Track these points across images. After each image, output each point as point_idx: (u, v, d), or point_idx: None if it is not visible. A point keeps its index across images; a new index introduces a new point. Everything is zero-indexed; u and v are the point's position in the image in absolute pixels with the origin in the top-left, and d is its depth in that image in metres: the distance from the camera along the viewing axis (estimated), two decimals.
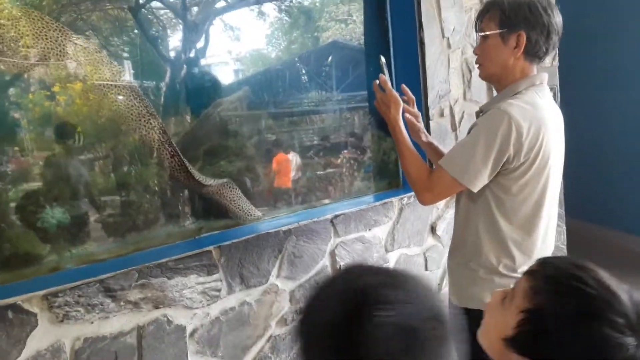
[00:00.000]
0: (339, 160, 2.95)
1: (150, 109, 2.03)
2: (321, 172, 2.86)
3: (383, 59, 1.72)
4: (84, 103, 2.09)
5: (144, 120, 2.01)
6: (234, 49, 2.85)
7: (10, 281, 1.60)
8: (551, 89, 3.22)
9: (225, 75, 2.87)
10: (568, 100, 5.54)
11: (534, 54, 1.50)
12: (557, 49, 3.16)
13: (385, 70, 1.69)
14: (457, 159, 1.49)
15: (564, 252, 3.29)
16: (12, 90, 2.00)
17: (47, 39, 1.83)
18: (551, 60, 3.20)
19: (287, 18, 3.01)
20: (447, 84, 2.80)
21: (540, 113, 1.45)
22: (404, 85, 1.85)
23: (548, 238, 1.58)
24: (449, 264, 1.70)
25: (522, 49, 1.47)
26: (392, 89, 1.65)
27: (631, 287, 0.77)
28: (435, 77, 2.72)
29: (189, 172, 2.06)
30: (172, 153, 2.04)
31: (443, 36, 2.76)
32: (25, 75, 1.96)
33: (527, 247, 1.52)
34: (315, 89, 3.10)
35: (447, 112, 2.81)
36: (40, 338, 1.51)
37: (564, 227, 3.36)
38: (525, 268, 1.42)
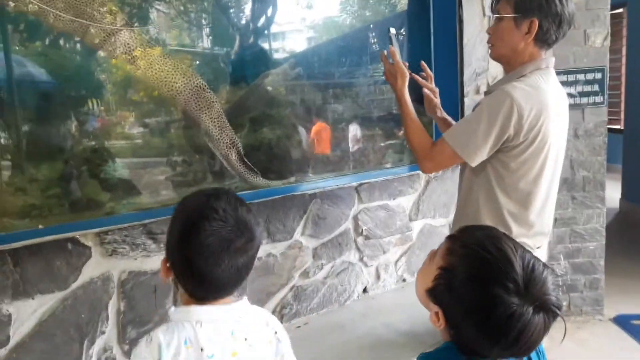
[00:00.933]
0: (400, 133, 3.05)
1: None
2: (358, 150, 2.97)
3: (392, 30, 1.82)
4: (161, 68, 2.31)
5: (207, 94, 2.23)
6: (306, 16, 2.93)
7: (70, 220, 1.91)
8: (599, 70, 3.18)
9: (295, 43, 2.97)
10: (634, 80, 5.31)
11: (544, 40, 1.57)
12: (609, 29, 3.10)
13: (394, 41, 1.79)
14: (460, 134, 1.61)
15: (602, 234, 3.27)
16: (99, 54, 2.21)
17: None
18: (602, 40, 3.12)
19: None
20: (485, 62, 2.85)
21: (543, 96, 1.53)
22: (422, 62, 1.96)
23: (545, 213, 1.68)
24: (451, 232, 1.84)
25: (533, 35, 1.55)
26: (399, 60, 1.76)
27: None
28: (472, 55, 2.78)
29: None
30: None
31: (484, 14, 2.80)
32: (112, 39, 2.16)
33: (523, 219, 1.63)
34: (363, 62, 3.19)
35: (483, 89, 2.86)
36: (93, 268, 1.82)
37: (604, 210, 3.33)
38: (522, 239, 1.56)
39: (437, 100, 2.00)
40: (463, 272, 0.89)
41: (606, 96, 3.20)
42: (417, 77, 1.91)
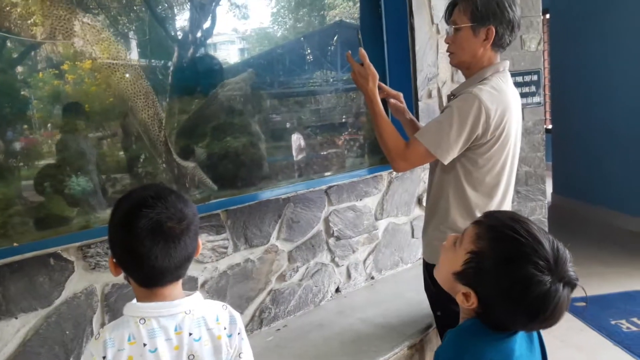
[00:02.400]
0: (340, 142, 3.18)
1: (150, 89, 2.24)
2: (323, 153, 3.07)
3: (359, 34, 1.92)
4: (92, 82, 2.30)
5: (151, 99, 2.24)
6: (240, 27, 3.00)
7: (50, 236, 1.87)
8: (535, 72, 3.46)
9: (231, 55, 3.05)
10: (557, 81, 5.77)
11: (499, 45, 1.73)
12: (542, 34, 3.38)
13: (363, 44, 1.88)
14: (432, 134, 1.72)
15: (545, 225, 3.54)
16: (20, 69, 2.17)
17: (54, 17, 1.95)
18: (536, 45, 3.41)
19: None
20: (435, 68, 3.03)
21: (505, 97, 1.69)
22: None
23: (505, 201, 1.84)
24: (424, 228, 1.96)
25: (491, 41, 1.70)
26: (370, 63, 1.83)
27: (553, 237, 0.98)
28: (424, 61, 2.96)
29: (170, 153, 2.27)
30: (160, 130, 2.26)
31: (432, 22, 2.98)
32: (33, 53, 2.12)
33: (488, 209, 1.78)
34: (320, 68, 3.30)
35: (434, 93, 3.05)
36: (76, 282, 1.79)
37: (546, 202, 3.61)
38: None
39: (403, 104, 2.11)
40: (496, 254, 0.95)
41: (542, 97, 3.50)
42: (381, 83, 1.99)
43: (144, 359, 1.03)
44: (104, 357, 1.02)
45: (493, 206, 1.78)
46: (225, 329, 1.13)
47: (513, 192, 1.89)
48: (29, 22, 1.99)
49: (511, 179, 1.83)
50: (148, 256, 1.03)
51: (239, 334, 1.16)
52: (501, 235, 0.96)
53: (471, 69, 1.79)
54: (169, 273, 1.07)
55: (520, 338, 1.00)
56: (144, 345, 1.03)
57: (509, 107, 1.69)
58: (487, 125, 1.65)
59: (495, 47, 1.73)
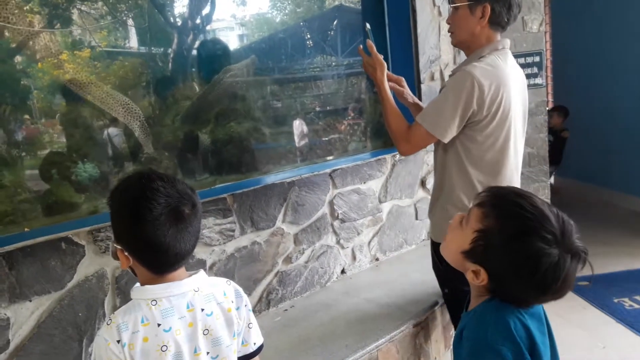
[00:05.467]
0: (342, 127, 3.20)
1: None
2: (325, 139, 3.09)
3: (368, 25, 1.96)
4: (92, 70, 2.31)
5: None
6: (239, 13, 3.01)
7: (60, 221, 1.91)
8: (537, 53, 3.45)
9: (231, 41, 3.06)
10: (559, 62, 5.75)
11: (497, 23, 1.75)
12: (544, 15, 3.38)
13: (371, 35, 1.92)
14: (430, 115, 1.77)
15: None
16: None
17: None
18: (538, 25, 3.40)
19: None
20: (437, 50, 3.04)
21: (501, 73, 1.71)
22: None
23: (513, 182, 1.86)
24: (430, 208, 1.99)
25: (487, 19, 1.73)
26: (377, 53, 1.90)
27: (559, 210, 0.99)
28: (426, 43, 2.96)
29: None
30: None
31: (434, 4, 2.98)
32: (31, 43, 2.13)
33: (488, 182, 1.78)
34: (320, 53, 3.31)
35: (437, 75, 3.06)
36: (88, 266, 1.82)
37: (549, 183, 3.63)
38: None
39: (406, 89, 2.14)
40: (504, 231, 0.96)
41: (545, 77, 3.50)
42: None
43: (159, 338, 1.06)
44: (119, 341, 1.04)
45: (498, 184, 1.80)
46: (232, 302, 1.17)
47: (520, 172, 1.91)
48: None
49: (517, 158, 1.85)
50: (170, 244, 1.05)
51: (245, 305, 1.20)
52: (507, 212, 0.98)
53: (470, 48, 1.82)
54: (183, 257, 1.11)
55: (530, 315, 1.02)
56: (158, 325, 1.06)
57: (506, 83, 1.71)
58: (482, 100, 1.68)
59: (493, 25, 1.76)
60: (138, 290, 1.10)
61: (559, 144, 5.32)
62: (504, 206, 0.99)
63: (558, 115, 5.41)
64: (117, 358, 1.03)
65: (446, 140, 1.75)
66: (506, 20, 1.75)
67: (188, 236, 1.08)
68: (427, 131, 1.76)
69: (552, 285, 0.94)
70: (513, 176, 1.85)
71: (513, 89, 1.74)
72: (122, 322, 1.05)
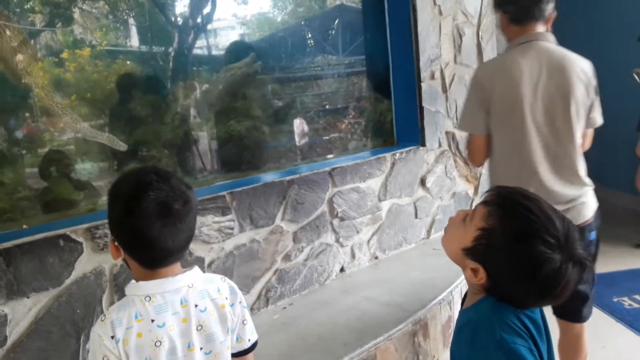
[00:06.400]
0: (343, 125, 3.20)
1: None
2: (325, 137, 3.09)
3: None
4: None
5: None
6: (240, 12, 3.01)
7: (58, 218, 1.91)
8: None
9: (232, 40, 3.06)
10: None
11: (515, 20, 1.86)
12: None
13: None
14: (461, 117, 1.96)
15: None
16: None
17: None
18: None
19: None
20: (438, 49, 3.03)
21: (506, 65, 1.81)
22: None
23: (532, 175, 1.81)
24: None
25: (504, 21, 1.87)
26: None
27: (564, 215, 0.97)
28: (426, 42, 2.95)
29: None
30: None
31: (435, 3, 2.97)
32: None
33: (520, 175, 1.80)
34: (321, 52, 3.31)
35: (437, 74, 3.05)
36: (85, 263, 1.82)
37: None
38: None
39: None
40: (508, 232, 0.95)
41: None
42: None
43: (153, 334, 1.06)
44: (113, 337, 1.04)
45: (525, 173, 1.81)
46: (227, 299, 1.16)
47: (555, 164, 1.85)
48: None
49: (548, 146, 1.81)
50: (157, 238, 1.05)
51: (240, 302, 1.20)
52: (513, 213, 0.96)
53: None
54: (174, 253, 1.10)
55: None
56: (152, 321, 1.07)
57: (510, 73, 1.78)
58: (485, 91, 1.82)
59: (513, 23, 1.86)
60: (132, 287, 1.11)
61: None
62: (509, 207, 0.98)
63: None
64: (112, 354, 1.04)
65: (478, 132, 1.87)
66: (520, 14, 1.83)
67: (177, 232, 1.07)
68: (468, 134, 1.97)
69: (552, 290, 0.93)
70: (530, 169, 1.80)
71: (525, 79, 1.77)
72: (116, 318, 1.06)
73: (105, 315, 1.07)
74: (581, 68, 1.84)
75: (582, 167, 1.90)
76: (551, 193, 1.79)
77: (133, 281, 1.12)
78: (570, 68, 1.83)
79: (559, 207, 1.52)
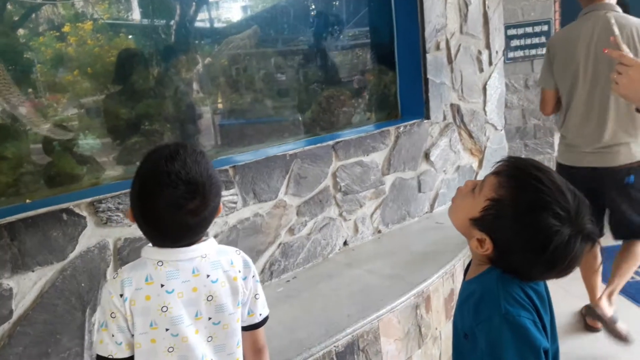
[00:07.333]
0: (346, 99, 3.15)
1: None
2: (330, 109, 3.05)
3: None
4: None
5: None
6: None
7: (61, 192, 1.91)
8: (545, 22, 3.38)
9: (232, 12, 3.01)
10: None
11: None
12: None
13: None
14: (540, 75, 2.58)
15: None
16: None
17: None
18: None
19: None
20: (443, 18, 2.97)
21: (568, 33, 2.40)
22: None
23: (589, 122, 2.34)
24: None
25: None
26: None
27: (575, 189, 0.95)
28: (432, 12, 2.89)
29: None
30: None
31: None
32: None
33: (567, 127, 2.45)
34: (323, 23, 3.24)
35: (443, 45, 2.99)
36: (89, 237, 1.83)
37: (554, 154, 3.59)
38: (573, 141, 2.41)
39: None
40: (518, 202, 0.94)
41: None
42: None
43: (161, 298, 1.07)
44: (122, 295, 1.06)
45: (573, 126, 2.40)
46: (239, 272, 1.17)
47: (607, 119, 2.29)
48: None
49: (593, 103, 2.30)
50: (163, 231, 1.07)
51: (253, 276, 1.20)
52: (524, 184, 0.95)
53: None
54: (184, 240, 1.10)
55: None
56: (162, 285, 1.07)
57: (568, 40, 2.35)
58: (550, 54, 2.45)
59: None
60: (148, 250, 1.12)
61: None
62: (521, 177, 0.96)
63: None
64: (118, 311, 1.06)
65: (548, 87, 2.47)
66: None
67: (189, 227, 1.07)
68: (540, 87, 2.58)
69: (559, 264, 0.92)
70: (581, 117, 2.35)
71: (581, 42, 2.28)
72: (127, 277, 1.07)
73: (117, 273, 1.10)
74: (636, 28, 2.17)
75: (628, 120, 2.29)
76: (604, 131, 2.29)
77: (150, 245, 1.13)
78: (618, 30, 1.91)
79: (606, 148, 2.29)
